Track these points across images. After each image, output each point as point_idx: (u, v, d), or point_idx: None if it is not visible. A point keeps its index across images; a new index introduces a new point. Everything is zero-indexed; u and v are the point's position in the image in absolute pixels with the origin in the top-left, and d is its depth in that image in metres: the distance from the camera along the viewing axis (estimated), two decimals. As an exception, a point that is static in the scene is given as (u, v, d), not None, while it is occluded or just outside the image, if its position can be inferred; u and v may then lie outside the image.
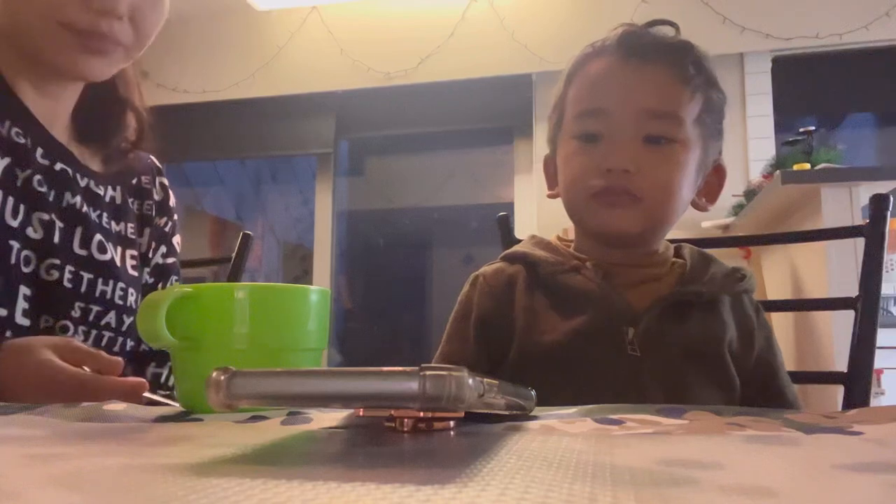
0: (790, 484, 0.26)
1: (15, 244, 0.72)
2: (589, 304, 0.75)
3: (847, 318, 0.96)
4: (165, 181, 0.96)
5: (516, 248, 0.85)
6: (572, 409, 0.47)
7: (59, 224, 0.76)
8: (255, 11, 3.55)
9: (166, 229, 0.93)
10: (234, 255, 1.26)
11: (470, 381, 0.32)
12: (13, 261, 0.71)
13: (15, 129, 0.75)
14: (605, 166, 0.75)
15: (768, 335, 0.81)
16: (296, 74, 3.51)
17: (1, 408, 0.50)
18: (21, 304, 0.72)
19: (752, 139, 3.08)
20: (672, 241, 0.87)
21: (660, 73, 0.77)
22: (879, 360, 0.95)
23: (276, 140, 3.65)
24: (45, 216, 0.75)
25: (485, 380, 0.35)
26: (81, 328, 0.77)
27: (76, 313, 0.76)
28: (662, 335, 0.74)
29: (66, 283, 0.75)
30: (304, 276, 4.08)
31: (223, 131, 3.65)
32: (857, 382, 0.92)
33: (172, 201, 0.96)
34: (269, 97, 3.53)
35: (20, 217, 0.73)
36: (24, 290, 0.72)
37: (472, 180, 4.09)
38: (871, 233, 0.95)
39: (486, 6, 3.35)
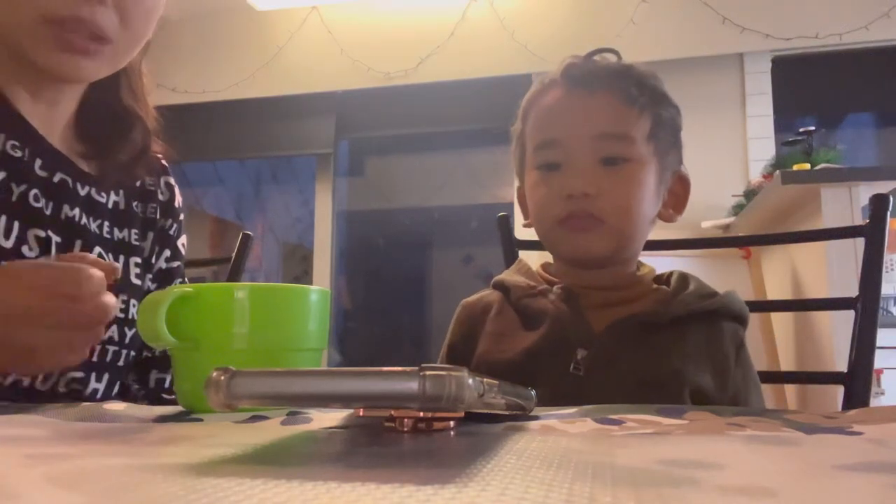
0: (790, 484, 0.26)
1: None
2: (547, 324, 0.78)
3: (847, 318, 0.96)
4: (171, 181, 0.92)
5: (499, 276, 0.89)
6: (572, 409, 0.47)
7: (56, 239, 0.74)
8: (255, 11, 3.55)
9: (171, 232, 0.91)
10: (233, 255, 1.26)
11: (470, 381, 0.32)
12: None
13: (11, 143, 0.73)
14: (566, 192, 0.78)
15: (746, 373, 0.79)
16: (296, 74, 3.51)
17: (1, 407, 0.50)
18: None
19: (752, 139, 3.08)
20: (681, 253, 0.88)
21: (605, 98, 0.80)
22: (879, 360, 0.95)
23: (275, 140, 3.65)
24: (42, 233, 0.73)
25: (485, 380, 0.35)
26: None
27: None
28: (614, 358, 0.74)
29: None
30: (304, 276, 4.08)
31: (223, 131, 3.65)
32: (857, 382, 0.91)
33: (178, 202, 0.93)
34: (268, 97, 3.53)
35: (14, 235, 0.71)
36: None
37: (472, 180, 4.09)
38: (871, 233, 0.95)
39: (486, 6, 3.35)
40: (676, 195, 0.86)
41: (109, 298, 0.58)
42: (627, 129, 0.79)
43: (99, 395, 0.78)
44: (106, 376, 0.78)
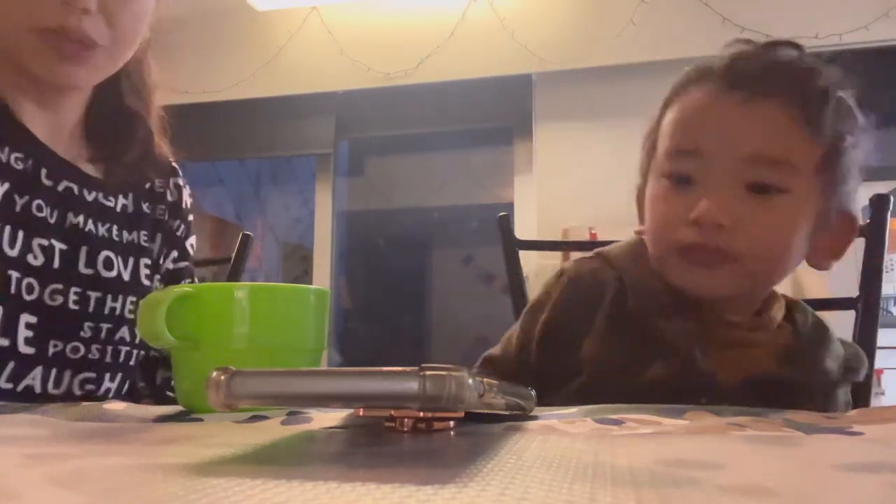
0: (790, 484, 0.26)
1: (14, 273, 0.71)
2: (669, 356, 0.65)
3: (847, 318, 0.96)
4: (180, 181, 0.93)
5: (617, 249, 0.75)
6: (572, 409, 0.47)
7: (60, 247, 0.75)
8: (255, 11, 3.55)
9: (178, 233, 0.91)
10: (233, 255, 1.26)
11: (470, 381, 0.32)
12: (13, 290, 0.70)
13: (15, 155, 0.73)
14: (693, 216, 0.63)
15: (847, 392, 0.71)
16: (296, 74, 3.51)
17: (1, 407, 0.50)
18: (23, 333, 0.71)
19: (752, 139, 3.08)
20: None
21: (772, 109, 0.64)
22: (879, 360, 0.95)
23: (276, 140, 3.65)
24: (45, 241, 0.74)
25: (485, 380, 0.35)
26: (95, 346, 0.76)
27: (86, 333, 0.76)
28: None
29: (73, 306, 0.74)
30: (304, 276, 4.08)
31: (223, 131, 3.65)
32: (858, 382, 0.91)
33: (187, 202, 0.93)
34: (268, 97, 3.53)
35: (19, 244, 0.72)
36: (26, 319, 0.71)
37: (472, 180, 4.09)
38: (872, 233, 0.95)
39: (486, 6, 3.34)
40: (836, 238, 0.69)
41: None
42: (791, 154, 0.64)
43: (111, 395, 0.79)
44: (119, 376, 0.80)
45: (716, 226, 0.62)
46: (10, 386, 0.70)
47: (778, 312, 0.70)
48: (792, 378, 0.65)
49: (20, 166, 0.74)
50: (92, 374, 0.76)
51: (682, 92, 0.70)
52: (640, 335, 0.67)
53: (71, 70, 0.72)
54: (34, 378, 0.72)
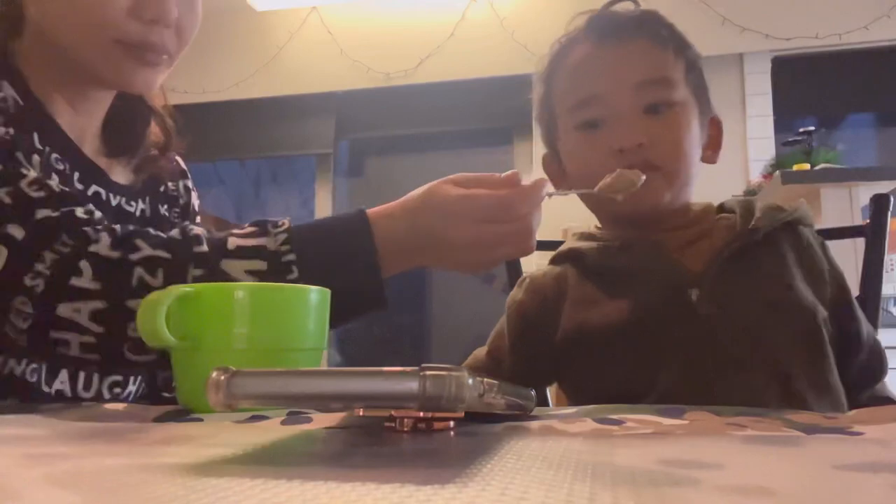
0: (790, 484, 0.26)
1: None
2: (646, 278, 0.74)
3: (847, 318, 0.96)
4: (189, 183, 0.94)
5: (559, 249, 0.84)
6: (572, 410, 0.47)
7: None
8: (255, 12, 3.55)
9: None
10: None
11: (470, 381, 0.32)
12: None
13: (55, 156, 0.74)
14: (616, 147, 0.74)
15: (839, 275, 0.78)
16: (296, 75, 3.51)
17: (1, 407, 0.50)
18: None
19: (751, 139, 3.08)
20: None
21: (638, 45, 0.78)
22: (879, 360, 0.95)
23: (275, 140, 3.65)
24: None
25: (485, 380, 0.35)
26: None
27: None
28: (730, 290, 0.72)
29: None
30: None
31: (223, 131, 3.65)
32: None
33: (196, 204, 0.94)
34: (268, 97, 3.53)
35: None
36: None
37: (472, 180, 4.09)
38: (872, 233, 0.95)
39: (486, 6, 3.34)
40: (712, 137, 0.84)
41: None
42: (667, 72, 0.77)
43: (131, 398, 0.80)
44: (139, 379, 0.81)
45: (637, 146, 0.74)
46: (46, 390, 0.71)
47: (708, 207, 0.82)
48: (750, 237, 0.74)
49: (61, 167, 0.74)
50: (119, 378, 0.77)
51: (560, 61, 0.82)
52: (604, 283, 0.76)
53: (146, 74, 0.74)
54: (63, 382, 0.72)
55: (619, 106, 0.76)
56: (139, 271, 0.59)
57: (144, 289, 0.58)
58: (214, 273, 0.60)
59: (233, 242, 0.61)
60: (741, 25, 3.06)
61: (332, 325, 0.58)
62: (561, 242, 0.88)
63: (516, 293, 0.84)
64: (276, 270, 0.60)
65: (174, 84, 3.58)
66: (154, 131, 0.86)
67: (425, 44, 3.35)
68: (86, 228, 0.61)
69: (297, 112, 3.57)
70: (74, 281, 0.58)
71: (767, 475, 0.27)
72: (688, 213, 0.81)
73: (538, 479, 0.26)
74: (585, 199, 0.81)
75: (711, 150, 0.84)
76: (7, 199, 0.60)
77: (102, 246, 0.60)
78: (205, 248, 0.61)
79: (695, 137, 0.78)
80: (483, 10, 3.35)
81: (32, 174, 0.63)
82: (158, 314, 0.50)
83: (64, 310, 0.58)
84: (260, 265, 0.60)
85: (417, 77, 3.36)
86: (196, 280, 0.59)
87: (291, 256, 0.61)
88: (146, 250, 0.60)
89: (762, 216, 0.76)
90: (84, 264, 0.58)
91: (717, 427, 0.39)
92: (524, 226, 0.63)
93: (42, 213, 0.60)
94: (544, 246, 1.11)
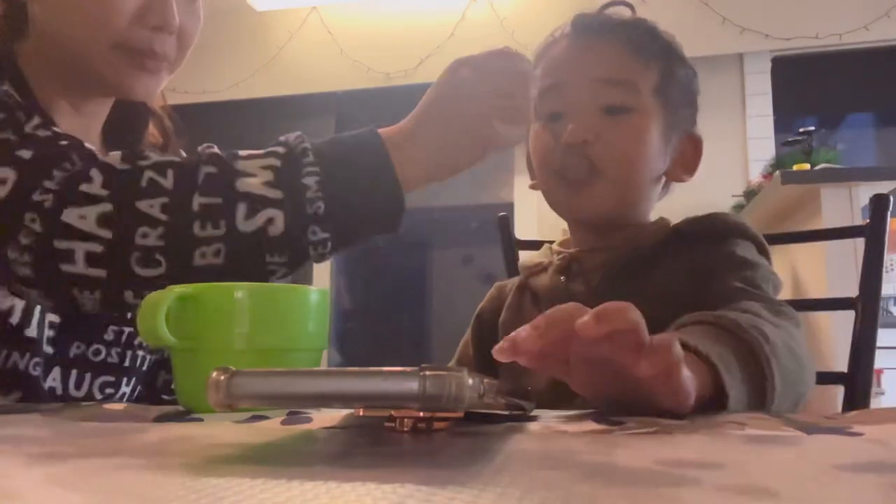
0: (790, 484, 0.26)
1: None
2: (546, 299, 0.77)
3: (847, 318, 0.96)
4: None
5: (529, 258, 0.87)
6: (572, 410, 0.47)
7: None
8: (255, 12, 3.55)
9: None
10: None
11: (470, 381, 0.32)
12: None
13: None
14: (564, 141, 0.74)
15: (748, 275, 0.68)
16: (295, 75, 3.51)
17: (1, 407, 0.50)
18: (46, 333, 0.71)
19: (751, 139, 3.08)
20: None
21: (610, 44, 0.77)
22: (879, 360, 0.95)
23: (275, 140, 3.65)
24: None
25: (485, 380, 0.35)
26: (115, 350, 0.77)
27: (109, 336, 0.76)
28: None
29: None
30: (304, 276, 4.08)
31: (223, 131, 3.65)
32: (857, 382, 0.91)
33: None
34: (268, 97, 3.53)
35: None
36: (50, 318, 0.71)
37: (472, 180, 4.09)
38: (871, 233, 0.95)
39: (486, 6, 3.35)
40: (685, 156, 0.81)
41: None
42: (631, 76, 0.76)
43: (125, 399, 0.80)
44: (133, 380, 0.81)
45: (582, 142, 0.73)
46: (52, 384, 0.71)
47: (663, 227, 0.79)
48: (635, 254, 0.75)
49: None
50: (111, 378, 0.77)
51: (544, 53, 0.83)
52: (530, 297, 0.80)
53: (147, 82, 0.74)
54: (55, 379, 0.72)
55: (576, 99, 0.75)
56: (149, 173, 0.59)
57: (154, 188, 0.58)
58: (227, 171, 0.60)
59: (245, 153, 0.63)
60: (741, 25, 3.07)
61: (348, 240, 0.61)
62: (542, 243, 0.88)
63: (486, 296, 0.89)
64: (292, 161, 0.61)
65: (174, 84, 3.56)
66: (152, 132, 0.86)
67: (425, 44, 3.35)
68: (93, 149, 0.61)
69: (298, 112, 3.57)
70: (84, 187, 0.58)
71: (767, 475, 0.27)
72: (643, 231, 0.78)
73: (538, 479, 0.26)
74: (542, 189, 0.81)
75: (683, 169, 0.81)
76: (13, 137, 0.61)
77: (112, 158, 0.60)
78: (216, 149, 0.62)
79: (651, 150, 0.76)
80: (483, 10, 3.35)
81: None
82: (158, 314, 0.49)
83: (70, 215, 0.57)
84: (274, 161, 0.62)
85: (417, 77, 3.36)
86: (208, 178, 0.60)
87: (306, 145, 0.62)
88: (155, 158, 0.61)
89: (644, 236, 0.76)
90: (94, 171, 0.59)
91: (717, 427, 0.39)
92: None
93: (49, 141, 0.62)
94: (524, 245, 1.12)
